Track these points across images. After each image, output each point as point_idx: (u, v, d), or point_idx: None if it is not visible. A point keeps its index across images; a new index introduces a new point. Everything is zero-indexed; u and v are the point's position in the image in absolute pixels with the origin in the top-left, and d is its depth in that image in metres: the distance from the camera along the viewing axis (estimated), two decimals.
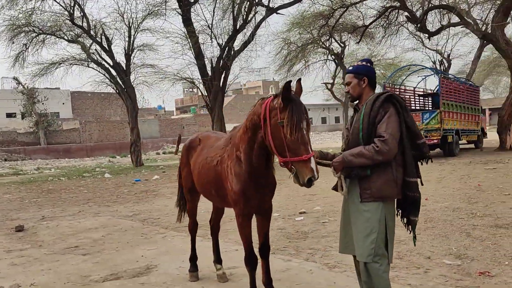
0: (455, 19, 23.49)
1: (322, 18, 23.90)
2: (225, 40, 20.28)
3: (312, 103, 59.27)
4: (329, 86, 32.99)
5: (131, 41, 24.23)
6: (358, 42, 22.61)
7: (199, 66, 20.23)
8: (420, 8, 20.92)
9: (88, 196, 13.29)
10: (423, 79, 21.33)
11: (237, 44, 20.83)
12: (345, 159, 3.19)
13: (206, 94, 20.70)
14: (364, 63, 3.45)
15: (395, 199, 3.30)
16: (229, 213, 7.91)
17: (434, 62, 28.36)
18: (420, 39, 28.64)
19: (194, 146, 4.75)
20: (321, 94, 47.65)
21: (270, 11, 18.87)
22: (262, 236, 4.02)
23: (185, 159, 4.87)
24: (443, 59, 29.85)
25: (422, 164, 3.38)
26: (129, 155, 25.71)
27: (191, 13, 19.94)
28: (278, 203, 9.13)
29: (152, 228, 8.00)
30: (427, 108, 20.40)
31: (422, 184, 3.36)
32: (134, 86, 24.88)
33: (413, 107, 19.55)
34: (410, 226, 3.44)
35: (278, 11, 19.51)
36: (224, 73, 20.49)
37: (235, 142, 3.81)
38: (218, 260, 4.98)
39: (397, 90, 18.96)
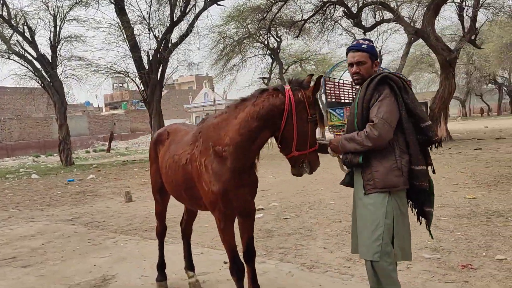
0: (386, 15, 24.37)
1: (259, 12, 23.71)
2: (162, 32, 19.43)
3: None
4: (266, 81, 32.99)
5: (57, 32, 22.60)
6: (298, 36, 22.70)
7: (135, 58, 19.23)
8: (355, 4, 21.38)
9: (16, 199, 12.08)
10: None
11: (176, 36, 20.07)
12: (340, 143, 3.03)
13: (143, 88, 19.72)
14: (371, 44, 3.15)
15: (405, 190, 3.00)
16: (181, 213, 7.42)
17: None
18: (353, 35, 29.37)
19: (162, 140, 4.23)
20: (252, 90, 47.56)
21: (211, 1, 18.30)
22: (246, 239, 3.62)
23: (153, 155, 4.35)
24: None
25: (431, 149, 3.09)
26: (57, 154, 24.00)
27: (125, 2, 18.87)
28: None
29: (99, 232, 7.27)
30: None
31: (434, 172, 3.09)
32: (61, 80, 23.30)
33: (350, 101, 19.94)
34: (424, 218, 3.17)
35: (218, 2, 18.98)
36: (161, 66, 19.63)
37: (210, 135, 3.35)
38: (190, 266, 4.50)
39: (336, 84, 19.23)
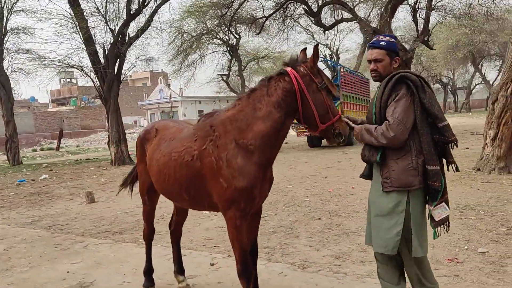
0: (345, 15, 24.81)
1: (219, 8, 23.41)
2: (119, 25, 18.73)
3: (205, 95, 58.65)
4: (225, 77, 32.72)
5: (4, 24, 21.32)
6: (259, 33, 22.61)
7: (90, 52, 18.37)
8: (315, 2, 21.57)
9: None
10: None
11: (133, 30, 19.42)
12: (361, 131, 3.04)
13: (98, 83, 18.92)
14: (392, 39, 3.08)
15: (421, 188, 2.97)
16: (158, 212, 7.10)
17: (324, 56, 29.71)
18: (311, 33, 29.76)
19: (149, 138, 3.99)
20: (212, 87, 47.28)
21: None
22: (252, 239, 3.53)
23: (139, 154, 4.10)
24: (333, 53, 31.47)
25: (452, 148, 3.04)
26: (2, 153, 22.65)
27: None
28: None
29: (64, 236, 6.84)
30: None
31: (457, 170, 3.06)
32: (8, 74, 22.01)
33: None
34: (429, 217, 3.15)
35: None
36: (118, 61, 18.92)
37: (229, 129, 3.18)
38: (180, 270, 4.30)
39: None
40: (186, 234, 6.29)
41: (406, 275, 3.13)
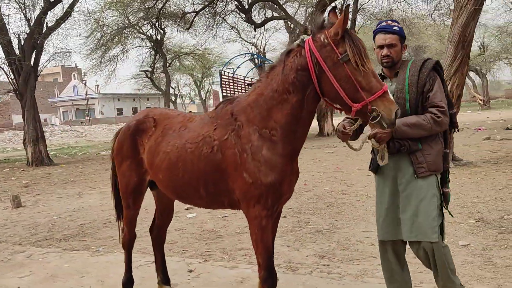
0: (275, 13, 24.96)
1: (143, 1, 22.37)
2: (37, 13, 17.15)
3: (124, 93, 56.11)
4: (149, 74, 31.42)
5: None
6: (188, 28, 21.91)
7: (3, 43, 16.61)
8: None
9: None
10: (252, 68, 21.97)
11: (52, 19, 17.87)
12: (398, 130, 2.79)
13: (12, 76, 17.15)
14: (399, 25, 2.99)
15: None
16: (104, 216, 6.51)
17: (252, 54, 29.70)
18: (237, 31, 29.57)
19: (145, 129, 3.43)
20: (132, 84, 45.24)
21: None
22: (272, 239, 3.14)
23: (127, 149, 3.49)
24: (259, 52, 31.56)
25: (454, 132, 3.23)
26: None
27: None
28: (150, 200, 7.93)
29: None
30: None
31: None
32: None
33: None
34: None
35: None
36: (35, 52, 17.30)
37: (251, 117, 2.81)
38: (165, 280, 3.85)
39: (231, 78, 19.06)
40: (145, 239, 5.75)
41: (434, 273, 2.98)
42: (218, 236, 5.70)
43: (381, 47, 2.92)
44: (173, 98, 44.61)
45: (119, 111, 58.91)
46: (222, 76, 17.90)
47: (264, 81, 2.86)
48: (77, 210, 8.08)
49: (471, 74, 42.47)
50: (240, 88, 19.69)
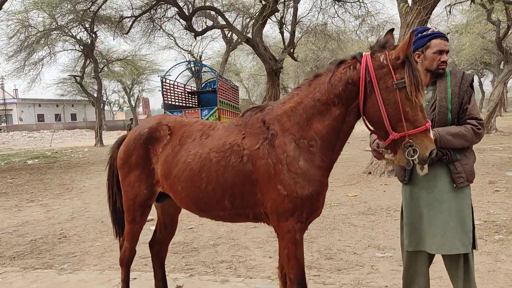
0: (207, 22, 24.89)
1: (74, 3, 21.28)
2: None
3: (46, 98, 52.73)
4: (78, 79, 29.78)
5: None
6: (127, 33, 21.09)
7: None
8: (185, 6, 21.15)
9: None
10: (193, 76, 21.60)
11: None
12: (443, 138, 2.82)
13: None
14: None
15: None
16: (55, 231, 6.18)
17: (189, 62, 29.26)
18: (173, 38, 29.05)
19: (159, 137, 3.20)
20: (56, 89, 42.57)
21: None
22: None
23: (138, 158, 3.22)
24: (196, 60, 31.19)
25: None
26: None
27: None
28: (102, 212, 7.45)
29: None
30: (192, 105, 20.74)
31: None
32: None
33: (181, 104, 19.52)
34: None
35: None
36: None
37: (287, 126, 2.71)
38: None
39: (172, 86, 18.61)
40: (111, 254, 5.40)
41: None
42: (192, 249, 5.47)
43: (441, 52, 2.93)
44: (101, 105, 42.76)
45: (40, 118, 55.34)
46: (164, 84, 17.44)
47: (305, 89, 2.76)
48: (22, 224, 7.39)
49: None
50: (180, 95, 19.29)
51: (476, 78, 51.52)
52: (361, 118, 2.67)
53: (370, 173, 10.16)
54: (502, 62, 35.72)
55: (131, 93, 54.01)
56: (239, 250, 5.31)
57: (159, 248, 3.66)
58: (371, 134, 3.07)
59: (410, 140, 2.45)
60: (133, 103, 55.36)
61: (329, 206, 7.28)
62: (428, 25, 9.97)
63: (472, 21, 26.19)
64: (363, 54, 2.59)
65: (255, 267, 4.68)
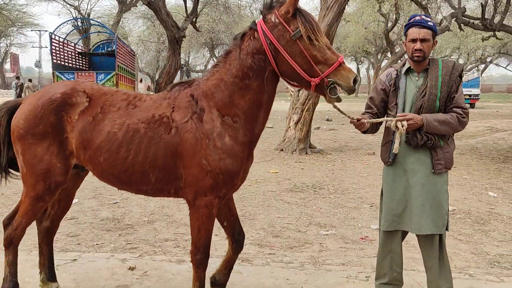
0: None
1: None
2: None
3: None
4: None
5: None
6: None
7: None
8: None
9: None
10: (84, 36, 19.70)
11: None
12: (430, 124, 2.93)
13: None
14: (432, 20, 3.06)
15: None
16: None
17: (75, 18, 26.56)
18: None
19: (75, 103, 2.92)
20: None
21: None
22: (237, 221, 3.24)
23: (48, 127, 2.89)
24: (83, 17, 28.51)
25: None
26: None
27: None
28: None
29: None
30: (82, 67, 19.10)
31: None
32: None
33: (70, 65, 17.84)
34: None
35: None
36: None
37: (212, 102, 2.78)
38: (51, 276, 3.36)
39: (62, 44, 16.83)
40: (30, 231, 4.75)
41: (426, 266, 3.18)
42: (127, 226, 5.06)
43: (413, 40, 2.96)
44: None
45: None
46: (53, 40, 15.67)
47: (222, 65, 2.83)
48: None
49: None
50: (70, 56, 17.55)
51: (354, 65, 55.78)
52: (281, 79, 2.80)
53: (282, 150, 10.37)
54: (380, 53, 39.28)
55: None
56: (179, 227, 5.05)
57: (49, 225, 3.34)
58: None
59: (329, 80, 2.59)
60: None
61: (255, 182, 7.28)
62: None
63: (359, 11, 27.84)
64: (256, 21, 2.74)
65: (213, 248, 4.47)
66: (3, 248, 3.16)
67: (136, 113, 2.85)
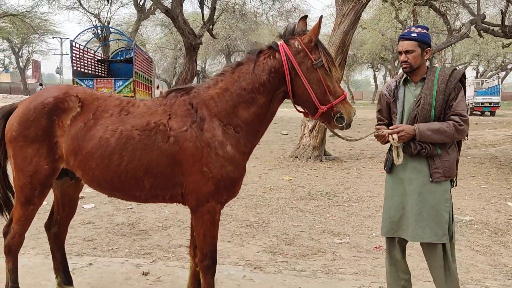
0: None
1: None
2: None
3: None
4: None
5: None
6: None
7: None
8: None
9: None
10: (104, 44, 20.08)
11: None
12: (422, 133, 2.93)
13: None
14: (424, 31, 3.09)
15: None
16: None
17: (95, 26, 27.07)
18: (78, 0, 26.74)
19: (67, 108, 2.96)
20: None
21: None
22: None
23: (39, 131, 2.93)
24: (103, 25, 29.04)
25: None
26: None
27: None
28: None
29: None
30: (101, 74, 19.41)
31: None
32: None
33: (90, 72, 18.15)
34: None
35: None
36: None
37: (214, 111, 2.83)
38: (67, 280, 3.44)
39: (82, 51, 17.16)
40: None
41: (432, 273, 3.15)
42: (142, 231, 5.11)
43: (399, 53, 3.06)
44: None
45: None
46: (73, 48, 16.00)
47: (229, 76, 2.88)
48: None
49: None
50: (90, 63, 17.87)
51: (371, 71, 55.47)
52: (291, 101, 2.91)
53: (296, 157, 10.36)
54: (397, 60, 38.98)
55: (19, 53, 49.08)
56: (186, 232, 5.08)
57: (57, 230, 3.41)
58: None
59: (338, 109, 2.79)
60: (21, 65, 50.40)
61: (269, 189, 7.29)
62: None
63: (376, 17, 27.68)
64: (278, 43, 2.84)
65: (219, 251, 4.48)
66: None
67: (129, 120, 2.87)
